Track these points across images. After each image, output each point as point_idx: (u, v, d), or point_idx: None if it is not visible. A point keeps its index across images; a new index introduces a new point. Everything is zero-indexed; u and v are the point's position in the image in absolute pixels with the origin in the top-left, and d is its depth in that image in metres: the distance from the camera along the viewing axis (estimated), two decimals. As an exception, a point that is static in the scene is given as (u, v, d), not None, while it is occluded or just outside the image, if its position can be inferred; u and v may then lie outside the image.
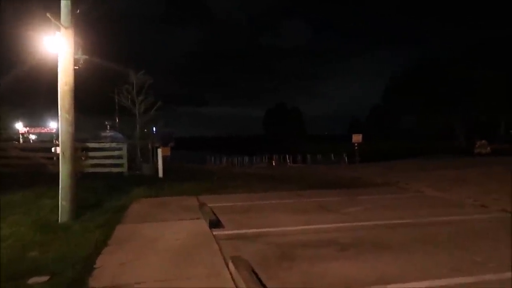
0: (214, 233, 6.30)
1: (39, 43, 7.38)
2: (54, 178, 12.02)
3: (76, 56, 7.99)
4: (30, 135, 36.72)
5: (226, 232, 6.37)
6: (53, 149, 21.64)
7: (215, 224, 6.74)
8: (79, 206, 8.44)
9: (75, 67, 7.38)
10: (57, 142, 26.80)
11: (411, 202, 9.20)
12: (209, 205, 8.76)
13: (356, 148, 35.77)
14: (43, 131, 37.30)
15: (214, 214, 7.57)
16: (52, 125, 37.14)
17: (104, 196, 10.18)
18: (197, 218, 7.39)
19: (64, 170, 7.28)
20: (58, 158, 17.71)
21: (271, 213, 7.93)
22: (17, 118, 34.63)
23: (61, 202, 7.28)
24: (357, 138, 36.20)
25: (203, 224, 6.91)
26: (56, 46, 7.17)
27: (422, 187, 11.61)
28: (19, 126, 35.61)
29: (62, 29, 7.09)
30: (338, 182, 13.38)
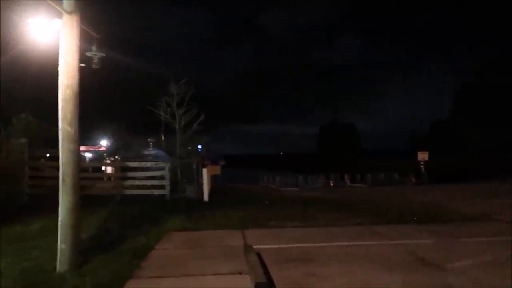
0: (262, 308, 4.05)
1: (35, 33, 5.72)
2: (93, 202, 10.77)
3: (88, 54, 6.31)
4: (86, 153, 37.04)
5: (282, 309, 4.09)
6: (103, 168, 20.79)
7: (264, 289, 4.48)
8: (94, 245, 6.71)
9: (82, 65, 5.60)
10: (107, 160, 26.25)
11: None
12: (257, 246, 6.58)
13: (422, 166, 31.99)
14: (91, 149, 37.42)
15: (264, 266, 5.32)
16: (102, 143, 37.22)
17: (132, 227, 8.34)
18: (239, 273, 5.17)
19: (64, 203, 5.44)
20: (108, 179, 16.94)
21: (347, 267, 5.50)
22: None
23: (60, 245, 5.43)
24: (423, 155, 32.41)
25: (247, 285, 4.69)
26: (55, 38, 5.45)
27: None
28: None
29: (64, 15, 5.37)
30: (417, 212, 10.54)
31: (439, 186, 24.66)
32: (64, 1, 5.40)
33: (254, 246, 6.56)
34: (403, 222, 9.07)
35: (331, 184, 32.11)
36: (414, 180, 32.16)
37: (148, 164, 14.92)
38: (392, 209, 11.28)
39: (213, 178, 18.08)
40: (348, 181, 32.93)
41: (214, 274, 5.18)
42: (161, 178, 14.02)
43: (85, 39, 6.16)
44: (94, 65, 6.49)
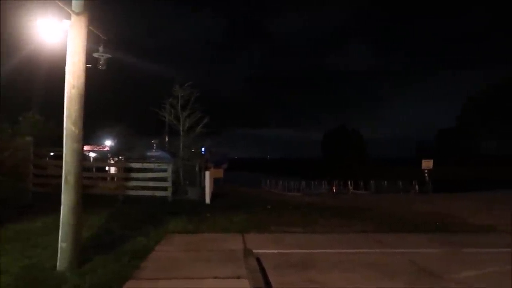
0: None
1: (44, 33, 5.78)
2: (96, 201, 10.83)
3: (95, 55, 6.37)
4: (90, 153, 37.27)
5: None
6: (106, 168, 20.83)
7: (262, 295, 4.47)
8: (95, 245, 6.74)
9: (88, 66, 5.65)
10: (111, 160, 26.38)
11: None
12: (257, 250, 6.58)
13: (426, 175, 31.80)
14: (95, 149, 37.59)
15: (263, 271, 5.32)
16: (107, 143, 37.37)
17: (133, 228, 8.37)
18: (238, 277, 5.17)
19: (66, 202, 5.48)
20: (112, 179, 17.04)
21: (348, 275, 5.48)
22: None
23: (60, 244, 5.46)
24: (427, 164, 32.11)
25: (246, 290, 4.69)
26: (62, 39, 5.51)
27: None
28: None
29: (73, 16, 5.43)
30: (420, 221, 10.49)
31: (442, 194, 24.50)
32: (72, 2, 5.47)
33: (254, 251, 6.56)
34: (405, 230, 9.01)
35: (334, 191, 32.05)
36: (417, 188, 32.01)
37: (151, 166, 14.97)
38: (394, 217, 11.23)
39: (216, 181, 18.08)
40: (351, 188, 32.82)
41: (212, 278, 5.17)
42: (164, 179, 14.05)
43: (93, 40, 6.22)
44: (100, 66, 6.54)
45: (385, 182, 36.01)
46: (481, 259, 6.49)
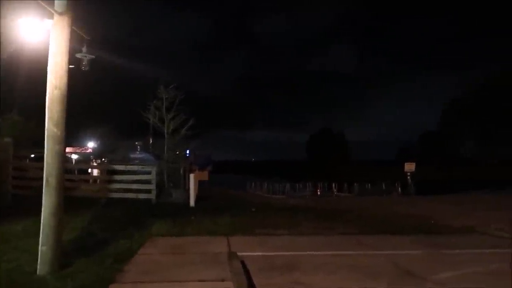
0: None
1: (25, 33, 5.68)
2: (78, 204, 10.66)
3: (78, 55, 6.29)
4: (72, 155, 36.67)
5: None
6: (89, 170, 20.53)
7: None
8: (77, 248, 6.64)
9: (71, 66, 5.57)
10: (94, 162, 26.01)
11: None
12: (242, 253, 6.57)
13: (408, 177, 32.33)
14: (77, 150, 37.06)
15: (247, 274, 5.32)
16: (89, 145, 36.79)
17: (116, 231, 8.26)
18: (222, 280, 5.16)
19: (47, 204, 5.37)
20: (94, 181, 16.79)
21: (332, 276, 5.53)
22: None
23: (41, 248, 5.35)
24: (409, 166, 32.70)
25: (230, 293, 4.68)
26: (44, 38, 5.43)
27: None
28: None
29: (55, 16, 5.35)
30: (402, 223, 10.63)
31: (424, 197, 24.94)
32: (55, 2, 5.39)
33: (239, 253, 6.55)
34: (388, 232, 9.11)
35: (318, 193, 32.28)
36: (400, 190, 32.50)
37: (135, 168, 14.81)
38: (377, 219, 11.36)
39: (201, 183, 18.00)
40: (335, 190, 33.10)
41: (197, 281, 5.15)
42: (148, 182, 13.92)
43: (76, 40, 6.14)
44: (83, 67, 6.45)
45: (369, 184, 36.44)
46: (462, 260, 6.62)
